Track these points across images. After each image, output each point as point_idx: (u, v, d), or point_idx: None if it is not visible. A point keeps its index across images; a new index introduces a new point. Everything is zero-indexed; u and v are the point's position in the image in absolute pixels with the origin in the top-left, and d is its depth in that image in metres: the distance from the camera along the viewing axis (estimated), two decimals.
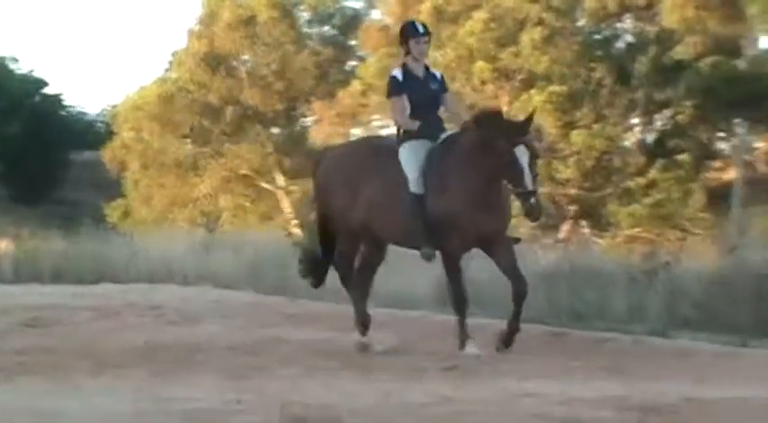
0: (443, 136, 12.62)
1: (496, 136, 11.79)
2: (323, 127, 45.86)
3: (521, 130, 12.04)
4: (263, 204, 47.93)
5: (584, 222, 41.38)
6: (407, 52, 12.68)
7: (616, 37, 44.22)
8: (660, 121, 43.29)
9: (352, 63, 47.69)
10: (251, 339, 14.58)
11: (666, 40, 42.06)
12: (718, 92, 39.90)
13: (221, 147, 46.86)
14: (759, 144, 41.76)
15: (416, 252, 12.97)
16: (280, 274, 22.39)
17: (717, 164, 42.80)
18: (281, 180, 47.19)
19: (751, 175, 38.68)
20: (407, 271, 22.15)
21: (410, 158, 12.39)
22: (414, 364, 12.38)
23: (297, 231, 31.27)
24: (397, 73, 12.71)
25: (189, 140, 47.63)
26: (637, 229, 39.91)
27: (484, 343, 13.04)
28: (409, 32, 12.69)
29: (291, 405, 9.30)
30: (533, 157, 11.80)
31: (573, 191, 40.68)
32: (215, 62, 47.35)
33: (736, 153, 38.14)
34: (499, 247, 12.57)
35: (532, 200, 11.78)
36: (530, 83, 40.76)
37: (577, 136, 40.00)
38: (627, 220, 40.31)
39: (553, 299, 17.31)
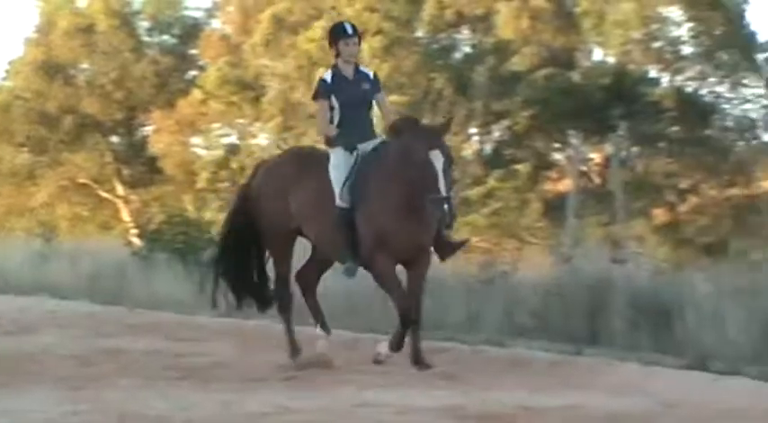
0: (372, 143, 12.21)
1: (412, 141, 11.45)
2: (162, 136, 45.47)
3: (436, 134, 11.73)
4: (102, 214, 47.45)
5: None
6: (337, 54, 12.26)
7: (454, 47, 44.54)
8: (498, 131, 43.69)
9: (192, 72, 47.39)
10: (88, 349, 14.46)
11: (503, 51, 42.47)
12: (553, 103, 40.37)
13: (59, 156, 46.29)
14: (593, 155, 42.28)
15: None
16: (118, 283, 22.21)
17: (553, 174, 43.34)
18: (120, 189, 46.74)
19: (585, 186, 39.17)
20: None
21: (336, 169, 12.07)
22: (253, 374, 12.36)
23: (136, 240, 30.88)
24: (327, 75, 12.34)
25: (26, 149, 46.94)
26: (475, 239, 40.19)
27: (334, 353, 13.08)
28: (338, 34, 12.27)
29: (129, 416, 9.24)
30: (448, 162, 11.42)
31: None
32: (53, 71, 46.78)
33: (570, 164, 38.59)
34: (415, 266, 12.28)
35: (445, 206, 11.34)
36: None
37: None
38: (465, 229, 40.56)
39: (392, 309, 17.35)
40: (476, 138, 43.66)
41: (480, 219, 40.39)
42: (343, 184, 11.89)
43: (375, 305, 17.74)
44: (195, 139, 45.91)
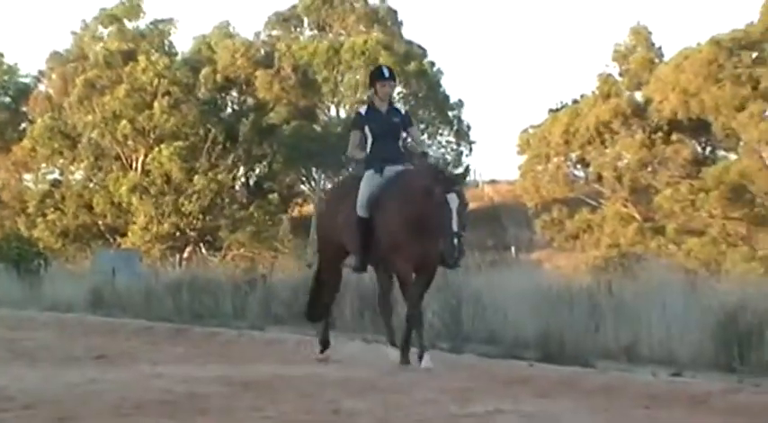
0: (399, 167, 10.94)
1: (434, 184, 10.17)
2: (1, 173, 44.89)
3: (454, 181, 10.41)
4: None
5: (202, 245, 41.34)
6: (375, 92, 11.13)
7: (225, 105, 44.44)
8: (258, 169, 43.75)
9: (24, 124, 46.29)
10: None
11: (262, 108, 42.57)
12: (300, 147, 40.61)
13: None
14: (329, 185, 42.62)
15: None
16: None
17: (299, 201, 43.59)
18: None
19: None
20: (66, 281, 21.75)
21: (364, 186, 10.83)
22: (71, 354, 12.13)
23: None
24: (362, 109, 11.31)
25: None
26: (241, 250, 40.14)
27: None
28: (376, 76, 11.19)
29: None
30: (462, 204, 10.16)
31: (195, 221, 40.61)
32: None
33: (313, 192, 38.82)
34: (421, 273, 10.74)
35: (455, 241, 10.01)
36: (161, 139, 40.73)
37: (198, 180, 40.05)
38: (234, 243, 40.53)
39: (178, 303, 17.26)
40: (242, 174, 43.64)
41: (244, 235, 40.40)
42: (366, 198, 10.75)
43: (166, 301, 17.65)
44: (27, 176, 45.21)
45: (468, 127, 43.23)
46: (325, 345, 11.65)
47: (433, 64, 43.17)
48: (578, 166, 40.21)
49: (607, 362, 10.67)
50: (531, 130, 41.65)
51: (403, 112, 11.34)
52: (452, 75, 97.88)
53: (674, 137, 38.09)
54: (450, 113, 42.70)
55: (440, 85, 42.88)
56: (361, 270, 11.22)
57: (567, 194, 39.70)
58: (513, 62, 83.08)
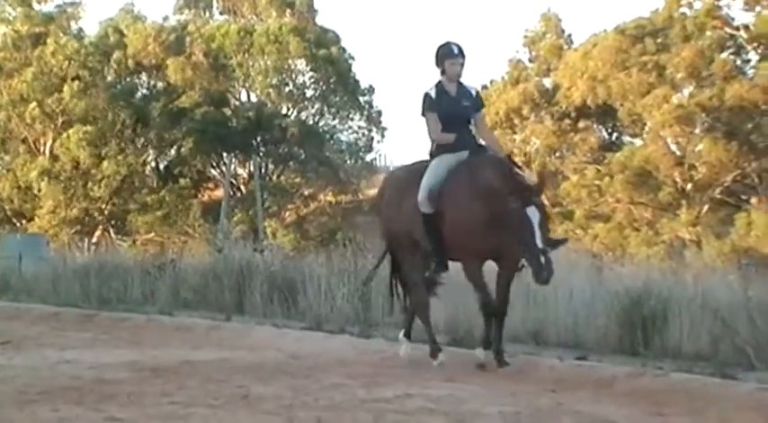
0: (470, 156, 9.78)
1: (510, 196, 9.01)
2: None
3: (535, 191, 9.31)
4: None
5: (111, 229, 40.93)
6: (443, 72, 9.95)
7: (136, 89, 43.97)
8: (169, 153, 43.41)
9: None
10: None
11: (172, 92, 42.20)
12: (210, 132, 40.37)
13: None
14: (240, 170, 42.44)
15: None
16: None
17: (210, 185, 43.32)
18: None
19: (234, 194, 39.24)
20: None
21: (429, 176, 9.74)
22: None
23: None
24: (431, 91, 10.00)
25: None
26: (151, 234, 39.84)
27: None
28: (445, 54, 9.90)
29: None
30: (544, 218, 9.08)
31: (104, 205, 40.22)
32: None
33: (223, 177, 38.58)
34: (503, 265, 9.73)
35: (542, 258, 8.87)
36: (70, 123, 40.17)
37: (107, 164, 39.63)
38: (144, 227, 40.18)
39: (86, 288, 17.03)
40: (152, 158, 43.26)
41: (155, 219, 40.06)
42: (427, 191, 9.64)
43: (74, 286, 17.43)
44: None
45: (380, 113, 43.36)
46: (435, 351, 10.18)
47: (344, 50, 43.15)
48: None
49: (515, 346, 10.75)
50: None
51: (473, 92, 10.11)
52: (364, 61, 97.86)
53: (581, 123, 38.55)
54: (361, 99, 42.74)
55: (351, 71, 42.86)
56: (438, 273, 10.13)
57: None
58: (424, 48, 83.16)
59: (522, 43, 42.79)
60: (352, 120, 43.01)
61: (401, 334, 10.51)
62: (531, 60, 42.41)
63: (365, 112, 42.70)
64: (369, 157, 43.23)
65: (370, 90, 43.12)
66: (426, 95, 9.97)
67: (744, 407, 7.87)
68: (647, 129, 36.97)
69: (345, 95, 42.30)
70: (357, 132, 42.88)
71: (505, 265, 9.59)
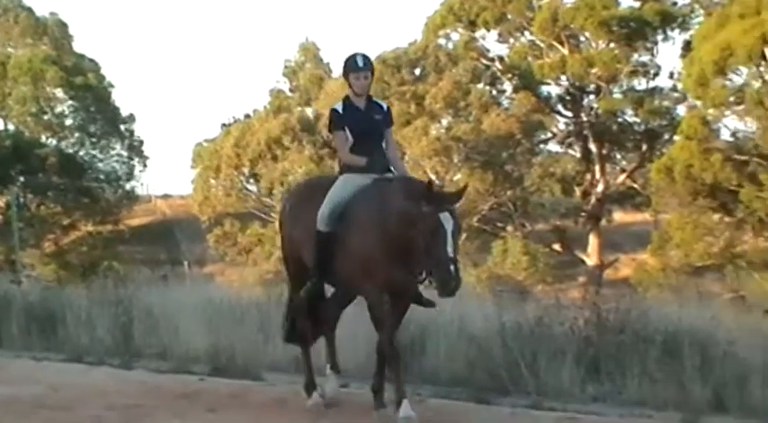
0: (381, 176, 8.97)
1: (425, 201, 8.28)
2: None
3: (450, 199, 8.55)
4: None
5: None
6: (350, 86, 9.20)
7: None
8: None
9: None
10: None
11: None
12: None
13: None
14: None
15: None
16: None
17: None
18: None
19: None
20: None
21: (333, 194, 8.91)
22: None
23: None
24: (338, 106, 9.28)
25: None
26: None
27: None
28: (349, 67, 9.17)
29: None
30: (457, 227, 8.35)
31: None
32: None
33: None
34: (398, 302, 8.76)
35: (451, 267, 8.14)
36: None
37: None
38: None
39: None
40: None
41: None
42: (330, 209, 8.83)
43: None
44: None
45: (141, 142, 42.76)
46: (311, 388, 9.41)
47: (103, 77, 42.42)
48: (250, 181, 40.40)
49: (277, 374, 10.80)
50: (204, 144, 41.61)
51: (385, 107, 9.38)
52: (124, 89, 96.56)
53: None
54: (121, 127, 42.07)
55: (110, 99, 42.17)
56: (313, 295, 9.22)
57: (239, 209, 39.83)
58: (186, 78, 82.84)
59: (283, 73, 43.11)
60: (112, 148, 42.28)
61: (327, 368, 9.49)
62: (291, 90, 42.71)
63: (126, 141, 42.06)
64: (129, 186, 42.59)
65: (131, 118, 42.53)
66: (333, 111, 9.34)
67: None
68: (407, 158, 37.66)
69: (105, 124, 41.57)
70: (118, 161, 42.21)
71: (403, 301, 8.76)
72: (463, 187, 8.95)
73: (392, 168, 9.05)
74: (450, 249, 8.14)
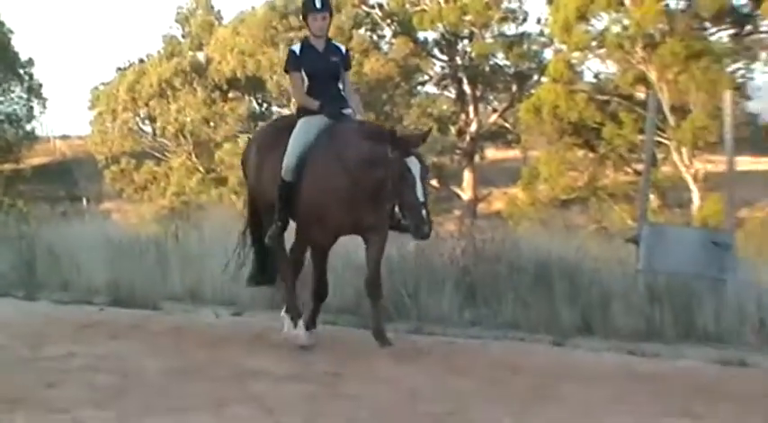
0: (342, 114, 8.50)
1: (390, 147, 7.86)
2: None
3: (414, 142, 8.09)
4: None
5: None
6: (308, 27, 8.69)
7: None
8: None
9: None
10: None
11: None
12: None
13: None
14: None
15: None
16: None
17: None
18: None
19: None
20: None
21: (295, 141, 8.40)
22: None
23: None
24: (295, 47, 8.79)
25: None
26: None
27: None
28: (307, 8, 8.64)
29: None
30: (425, 170, 7.92)
31: None
32: None
33: None
34: (371, 237, 8.36)
35: (423, 211, 7.74)
36: None
37: None
38: None
39: None
40: None
41: None
42: (296, 159, 8.33)
43: None
44: None
45: (40, 85, 41.80)
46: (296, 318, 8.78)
47: (2, 24, 41.32)
48: (146, 122, 39.94)
49: (173, 304, 10.73)
50: (100, 88, 41.00)
51: (343, 50, 8.85)
52: (24, 34, 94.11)
53: (231, 94, 38.68)
54: (21, 71, 41.10)
55: (10, 44, 41.11)
56: (275, 239, 8.65)
57: (135, 148, 39.31)
58: (84, 24, 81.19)
59: (175, 19, 42.53)
60: (12, 91, 41.29)
61: (283, 310, 8.89)
62: (184, 36, 42.17)
63: (25, 84, 41.10)
64: (30, 127, 41.69)
65: (30, 62, 41.51)
66: (291, 52, 8.84)
67: (383, 353, 8.23)
68: (293, 101, 37.51)
69: (5, 68, 40.56)
70: (18, 103, 41.25)
71: (374, 241, 8.38)
72: (427, 131, 8.75)
73: (348, 111, 8.56)
74: (420, 194, 7.77)
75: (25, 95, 41.51)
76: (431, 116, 38.27)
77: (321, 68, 8.58)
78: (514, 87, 37.33)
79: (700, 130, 27.81)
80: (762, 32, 29.36)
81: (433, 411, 6.60)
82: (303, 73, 8.60)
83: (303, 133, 8.43)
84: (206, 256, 11.40)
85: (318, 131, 8.37)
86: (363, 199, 8.02)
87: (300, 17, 8.95)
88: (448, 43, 37.54)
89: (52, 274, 12.42)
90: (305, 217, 8.36)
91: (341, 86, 8.67)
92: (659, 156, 28.09)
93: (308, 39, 8.76)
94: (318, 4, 8.63)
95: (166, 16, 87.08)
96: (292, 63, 8.69)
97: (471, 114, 37.69)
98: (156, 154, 39.23)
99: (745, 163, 24.63)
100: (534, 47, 36.85)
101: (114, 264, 11.95)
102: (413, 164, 7.79)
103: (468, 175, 37.32)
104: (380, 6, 38.43)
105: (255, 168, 8.88)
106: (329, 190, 8.09)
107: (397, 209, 7.96)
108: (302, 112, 8.61)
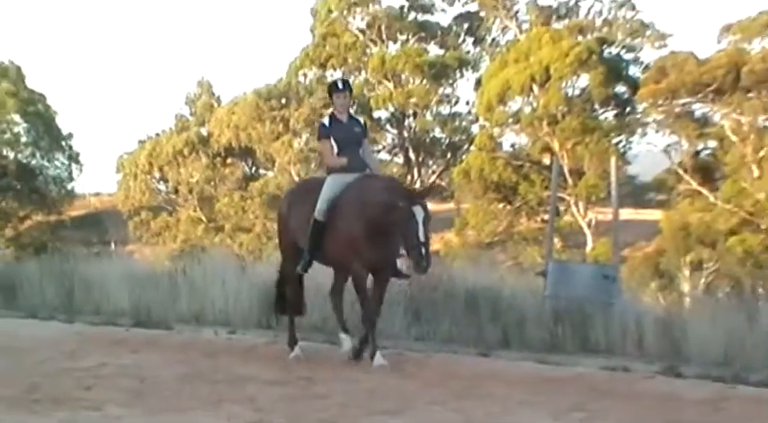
0: (362, 174, 8.33)
1: (400, 199, 7.71)
2: None
3: (420, 195, 8.02)
4: None
5: None
6: (333, 104, 8.56)
7: None
8: None
9: None
10: None
11: None
12: None
13: None
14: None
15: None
16: None
17: None
18: None
19: None
20: None
21: (326, 191, 8.24)
22: None
23: None
24: (325, 120, 8.58)
25: None
26: None
27: None
28: (332, 90, 8.54)
29: None
30: (426, 217, 7.68)
31: None
32: None
33: None
34: (379, 276, 8.16)
35: (423, 250, 7.55)
36: None
37: None
38: None
39: None
40: None
41: None
42: (327, 203, 8.19)
43: None
44: None
45: (78, 153, 41.69)
46: (294, 343, 8.73)
47: (49, 106, 41.27)
48: (161, 182, 40.00)
49: (182, 325, 10.66)
50: (125, 156, 41.22)
51: (362, 121, 8.75)
52: (66, 113, 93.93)
53: (229, 160, 38.79)
54: (63, 143, 40.93)
55: (54, 122, 40.98)
56: (305, 270, 8.47)
57: (152, 203, 39.49)
58: (113, 105, 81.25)
59: (185, 102, 42.88)
60: (56, 158, 41.09)
61: (340, 332, 8.55)
62: (191, 114, 42.38)
63: (66, 153, 40.92)
64: (70, 186, 41.47)
65: (70, 136, 41.37)
66: (321, 125, 8.63)
67: (345, 361, 8.18)
68: (277, 165, 37.41)
69: (51, 140, 40.42)
70: (60, 168, 41.04)
71: (382, 276, 8.14)
72: (430, 186, 8.89)
73: (369, 169, 8.43)
74: (421, 235, 7.57)
75: (66, 162, 41.26)
76: None
77: (346, 137, 8.42)
78: (449, 154, 37.59)
79: (592, 188, 28.17)
80: (638, 113, 29.76)
81: (387, 408, 6.59)
82: (332, 140, 8.41)
83: (333, 186, 8.25)
84: (208, 287, 11.35)
85: (345, 184, 8.21)
86: (378, 236, 7.81)
87: (328, 96, 8.83)
88: (397, 120, 37.80)
89: (87, 302, 12.30)
90: (342, 251, 8.08)
91: (361, 151, 8.50)
92: (561, 208, 28.35)
93: (333, 114, 8.57)
94: (341, 85, 8.55)
95: (177, 100, 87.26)
96: (323, 133, 8.51)
97: (416, 176, 37.86)
98: (169, 207, 39.27)
99: (628, 213, 24.89)
100: (464, 123, 37.20)
101: (136, 293, 11.86)
102: (417, 211, 7.65)
103: None
104: None
105: (289, 218, 8.65)
106: (357, 227, 7.91)
107: (402, 249, 7.69)
108: (331, 170, 8.40)
